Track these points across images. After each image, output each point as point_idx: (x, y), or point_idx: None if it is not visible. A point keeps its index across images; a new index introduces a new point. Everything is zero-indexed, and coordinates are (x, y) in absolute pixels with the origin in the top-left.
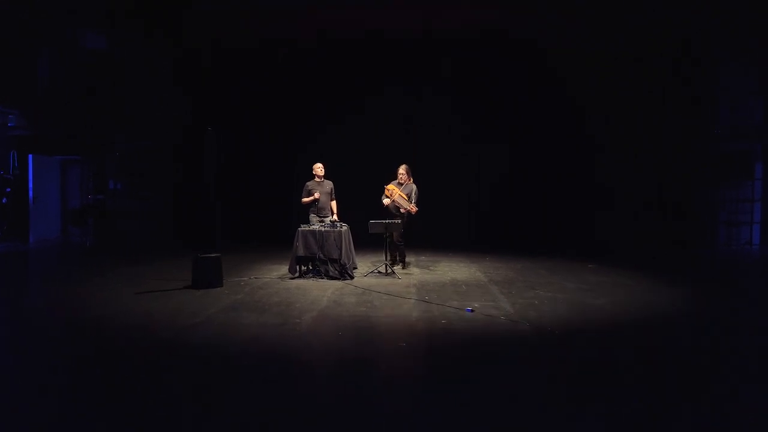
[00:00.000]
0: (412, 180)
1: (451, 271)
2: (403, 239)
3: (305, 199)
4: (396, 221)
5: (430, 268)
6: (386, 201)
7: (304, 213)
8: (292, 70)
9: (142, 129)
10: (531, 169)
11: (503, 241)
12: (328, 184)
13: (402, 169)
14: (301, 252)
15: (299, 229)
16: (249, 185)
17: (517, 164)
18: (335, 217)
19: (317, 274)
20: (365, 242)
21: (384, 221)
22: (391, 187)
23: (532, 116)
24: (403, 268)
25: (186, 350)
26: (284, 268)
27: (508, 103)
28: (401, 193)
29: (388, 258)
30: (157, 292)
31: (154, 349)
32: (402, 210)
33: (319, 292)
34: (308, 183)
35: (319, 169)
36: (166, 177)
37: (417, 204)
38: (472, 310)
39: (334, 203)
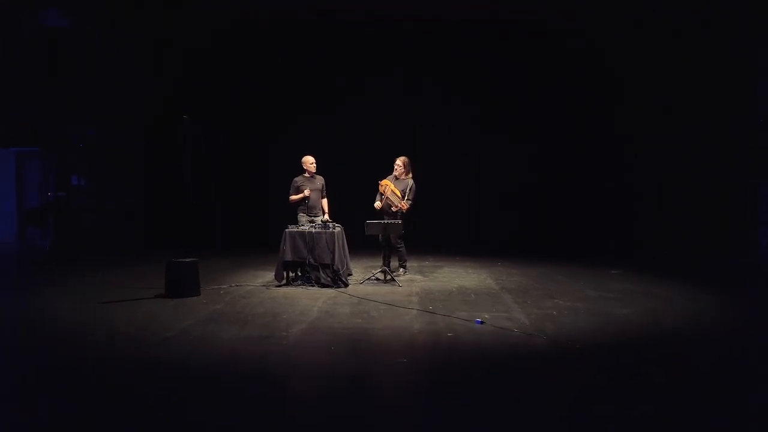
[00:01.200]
0: (411, 175)
1: (459, 277)
2: (402, 241)
3: (293, 197)
4: (396, 221)
5: (435, 274)
6: (378, 204)
7: (292, 212)
8: (290, 69)
9: (112, 118)
10: (547, 166)
11: (517, 245)
12: (320, 180)
13: (399, 162)
14: (288, 256)
15: (286, 230)
16: (233, 183)
17: (532, 162)
18: (327, 216)
19: (307, 281)
20: (362, 245)
21: (382, 221)
22: (385, 182)
23: (546, 110)
24: (403, 274)
25: (155, 368)
26: (269, 275)
27: (511, 97)
28: (394, 189)
29: (388, 263)
30: (124, 302)
31: (119, 367)
32: (393, 208)
33: (309, 302)
34: (297, 178)
35: (310, 163)
36: (139, 172)
37: (413, 202)
38: (482, 322)
39: (325, 201)
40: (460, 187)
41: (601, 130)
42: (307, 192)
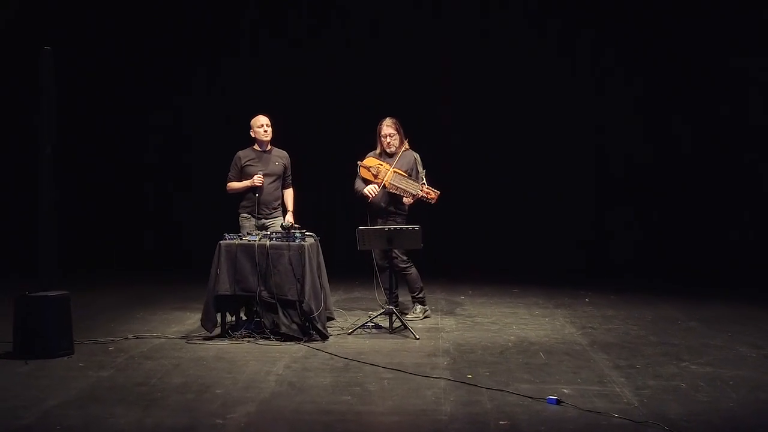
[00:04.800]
0: (407, 145)
1: (517, 322)
2: (409, 258)
3: (233, 184)
4: (413, 227)
5: (477, 316)
6: (370, 190)
7: (231, 213)
8: None
9: None
10: (681, 143)
11: (618, 268)
12: (279, 158)
13: (390, 128)
14: (225, 287)
15: (222, 242)
16: (123, 159)
17: (658, 135)
18: (291, 218)
19: (257, 329)
20: (348, 265)
21: (386, 228)
22: (372, 162)
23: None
24: (423, 315)
25: None
26: (193, 319)
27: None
28: (397, 170)
29: (396, 297)
30: None
31: None
32: (407, 199)
33: (262, 366)
34: (240, 153)
35: (259, 126)
36: None
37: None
38: (558, 402)
39: (289, 193)
40: (538, 168)
41: None
42: (257, 179)
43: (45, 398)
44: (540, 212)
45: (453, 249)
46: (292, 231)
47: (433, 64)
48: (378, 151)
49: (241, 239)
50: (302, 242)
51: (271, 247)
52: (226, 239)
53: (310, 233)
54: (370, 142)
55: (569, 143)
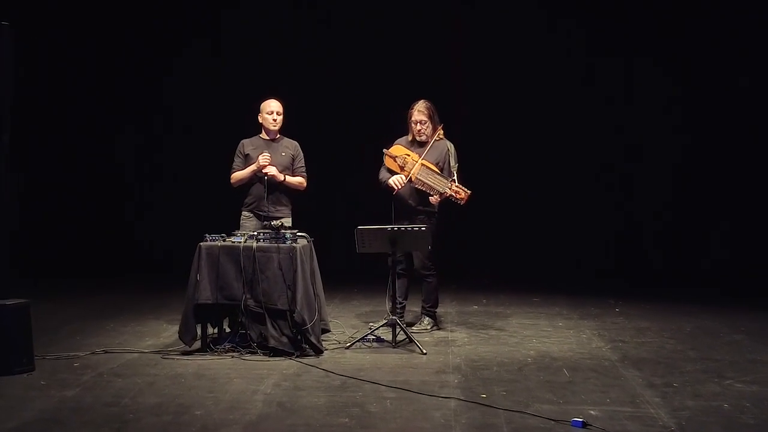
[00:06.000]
0: (443, 132)
1: (538, 335)
2: (434, 264)
3: (239, 174)
4: (419, 227)
5: (492, 328)
6: (396, 180)
7: (220, 212)
8: None
9: None
10: (726, 130)
11: (652, 271)
12: (288, 147)
13: (422, 115)
14: (206, 295)
15: (202, 244)
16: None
17: (698, 119)
18: (275, 172)
19: (242, 342)
20: (348, 272)
21: (389, 227)
22: (399, 150)
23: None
24: (431, 329)
25: None
26: (170, 331)
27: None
28: (426, 162)
29: (402, 308)
30: None
31: None
32: (434, 197)
33: (247, 384)
34: (244, 141)
35: (271, 115)
36: None
37: (461, 180)
38: (584, 424)
39: (297, 182)
40: (529, 169)
41: None
42: (262, 158)
43: (1, 421)
44: (560, 214)
45: (466, 253)
46: (282, 231)
47: (434, 63)
48: (409, 137)
49: (224, 240)
50: (294, 244)
51: (259, 249)
52: (206, 240)
53: (303, 234)
54: (370, 140)
55: (588, 141)
